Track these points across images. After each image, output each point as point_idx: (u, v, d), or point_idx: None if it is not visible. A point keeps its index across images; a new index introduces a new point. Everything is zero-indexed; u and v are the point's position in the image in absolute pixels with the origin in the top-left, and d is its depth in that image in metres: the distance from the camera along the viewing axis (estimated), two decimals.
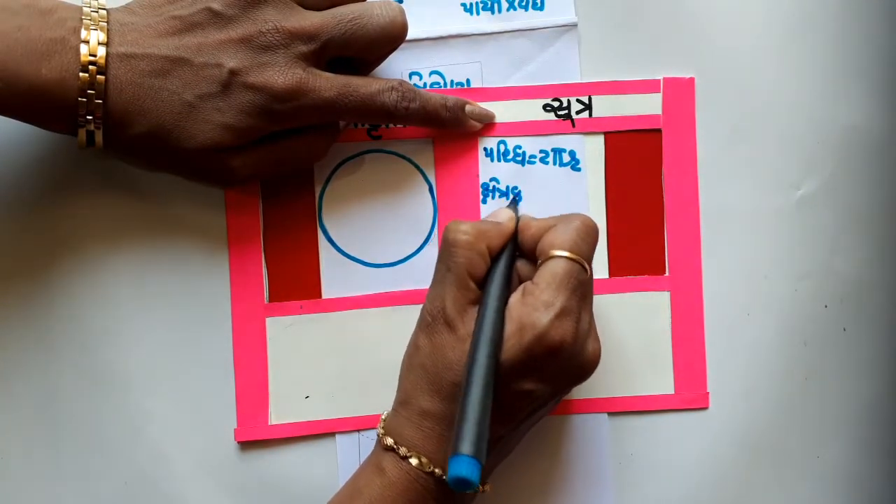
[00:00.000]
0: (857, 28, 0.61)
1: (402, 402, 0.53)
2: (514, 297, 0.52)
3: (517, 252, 0.55)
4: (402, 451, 0.52)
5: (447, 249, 0.53)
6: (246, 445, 0.59)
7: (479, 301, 0.52)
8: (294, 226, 0.59)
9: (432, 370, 0.52)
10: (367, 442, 0.59)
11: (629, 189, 0.60)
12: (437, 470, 0.51)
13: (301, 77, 0.52)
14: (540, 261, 0.53)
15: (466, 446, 0.46)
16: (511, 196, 0.59)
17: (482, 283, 0.53)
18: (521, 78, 0.59)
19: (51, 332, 0.58)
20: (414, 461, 0.51)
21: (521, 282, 0.54)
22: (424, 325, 0.53)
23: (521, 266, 0.55)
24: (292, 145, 0.55)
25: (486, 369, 0.49)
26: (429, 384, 0.52)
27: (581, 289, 0.52)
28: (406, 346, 0.55)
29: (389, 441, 0.52)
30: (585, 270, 0.52)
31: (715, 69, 0.60)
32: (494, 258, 0.54)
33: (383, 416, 0.54)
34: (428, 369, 0.52)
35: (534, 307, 0.51)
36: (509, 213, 0.55)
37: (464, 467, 0.46)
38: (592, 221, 0.54)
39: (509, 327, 0.51)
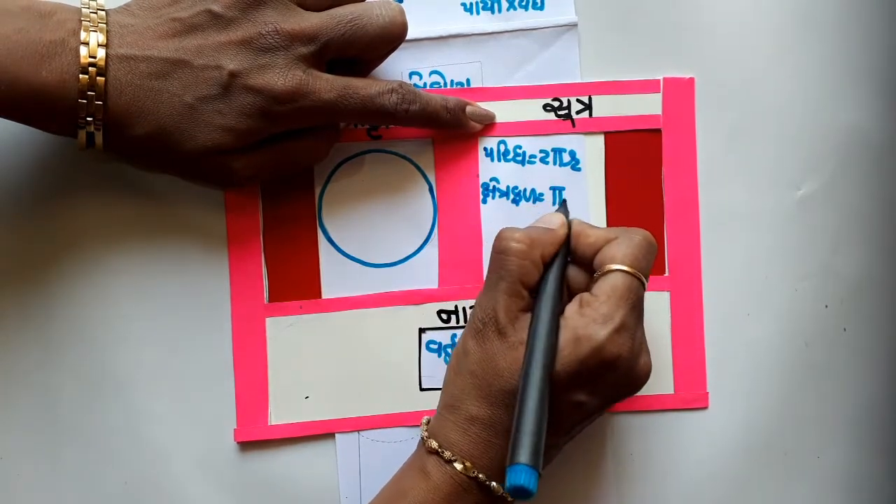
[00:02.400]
0: (857, 28, 0.61)
1: (448, 405, 0.53)
2: (571, 308, 0.52)
3: (569, 258, 0.55)
4: (447, 455, 0.52)
5: (499, 257, 0.53)
6: (246, 445, 0.59)
7: (531, 308, 0.52)
8: (294, 226, 0.59)
9: (482, 376, 0.52)
10: (366, 442, 0.59)
11: (629, 189, 0.60)
12: (481, 475, 0.51)
13: (301, 79, 0.52)
14: (598, 273, 0.52)
15: (524, 455, 0.47)
16: (562, 200, 0.59)
17: (534, 289, 0.53)
18: (521, 78, 0.59)
19: (51, 332, 0.58)
20: (458, 466, 0.51)
21: (571, 290, 0.54)
22: (474, 331, 0.53)
23: (574, 274, 0.55)
24: (293, 147, 0.55)
25: (542, 378, 0.49)
26: (477, 390, 0.52)
27: (639, 305, 0.52)
28: (454, 351, 0.54)
29: (434, 444, 0.52)
30: (643, 287, 0.52)
31: (715, 69, 0.60)
32: (547, 265, 0.54)
33: (425, 420, 0.55)
34: (477, 375, 0.52)
35: (592, 319, 0.51)
36: (561, 219, 0.55)
37: (522, 476, 0.46)
38: (653, 238, 0.54)
39: (565, 337, 0.51)
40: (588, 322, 0.51)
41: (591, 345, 0.50)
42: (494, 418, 0.51)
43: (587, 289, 0.53)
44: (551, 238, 0.54)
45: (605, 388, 0.52)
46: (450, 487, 0.51)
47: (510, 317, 0.52)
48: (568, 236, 0.55)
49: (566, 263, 0.55)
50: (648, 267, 0.53)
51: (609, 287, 0.51)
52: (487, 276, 0.54)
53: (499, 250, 0.53)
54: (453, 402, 0.53)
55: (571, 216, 0.56)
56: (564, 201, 0.59)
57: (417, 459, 0.53)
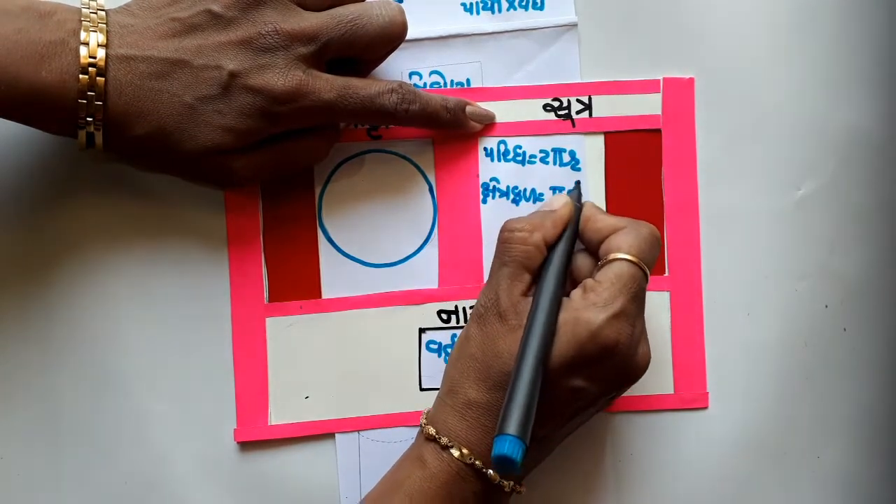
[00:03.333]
0: (857, 28, 0.60)
1: (447, 391, 0.54)
2: (574, 293, 0.53)
3: (576, 241, 0.55)
4: (444, 440, 0.52)
5: (502, 245, 0.54)
6: (246, 445, 0.59)
7: (533, 292, 0.53)
8: (294, 226, 0.59)
9: (482, 359, 0.52)
10: (367, 442, 0.59)
11: (629, 189, 0.60)
12: (477, 462, 0.51)
13: (301, 79, 0.52)
14: (603, 261, 0.53)
15: (512, 427, 0.47)
16: (576, 182, 0.59)
17: (537, 274, 0.54)
18: (521, 78, 0.59)
19: (51, 333, 0.58)
20: (455, 452, 0.52)
21: (576, 275, 0.55)
22: (476, 317, 0.54)
23: (580, 260, 0.55)
24: (293, 147, 0.55)
25: (536, 355, 0.49)
26: (477, 373, 0.52)
27: (640, 295, 0.52)
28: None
29: (431, 431, 0.53)
30: (646, 278, 0.53)
31: (715, 69, 0.60)
32: (551, 247, 0.54)
33: (425, 411, 0.55)
34: (477, 358, 0.52)
35: (592, 303, 0.51)
36: (564, 199, 0.56)
37: (507, 446, 0.46)
38: (659, 234, 0.54)
39: (564, 319, 0.51)
40: (588, 305, 0.51)
41: (590, 328, 0.50)
42: (493, 402, 0.51)
43: (591, 275, 0.53)
44: (552, 220, 0.54)
45: (603, 375, 0.52)
46: (446, 476, 0.52)
47: (512, 300, 0.52)
48: (577, 219, 0.55)
49: (572, 246, 0.55)
50: (653, 260, 0.53)
51: (613, 274, 0.52)
52: (491, 265, 0.55)
53: (502, 239, 0.54)
54: (453, 387, 0.53)
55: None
56: (578, 183, 0.59)
57: (415, 448, 0.54)
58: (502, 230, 0.54)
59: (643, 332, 0.53)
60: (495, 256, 0.54)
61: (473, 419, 0.52)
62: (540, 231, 0.54)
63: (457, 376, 0.53)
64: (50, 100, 0.50)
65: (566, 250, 0.54)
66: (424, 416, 0.54)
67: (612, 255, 0.52)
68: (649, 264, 0.53)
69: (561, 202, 0.55)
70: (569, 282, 0.55)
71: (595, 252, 0.54)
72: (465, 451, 0.52)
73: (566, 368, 0.51)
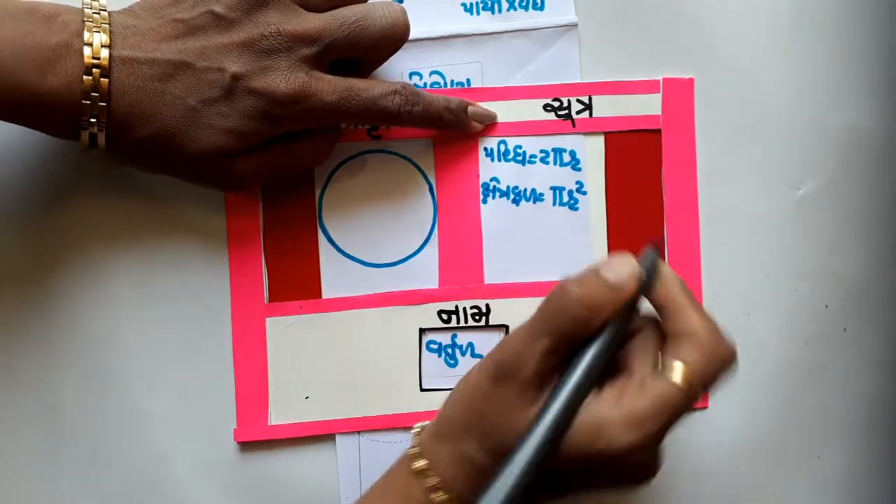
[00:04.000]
0: (857, 28, 0.61)
1: (447, 433, 0.50)
2: (608, 394, 0.48)
3: (630, 322, 0.50)
4: (432, 481, 0.49)
5: (553, 310, 0.48)
6: (246, 446, 0.59)
7: (563, 370, 0.49)
8: (294, 226, 0.59)
9: (490, 421, 0.49)
10: (367, 443, 0.59)
11: (629, 189, 0.60)
12: None
13: (304, 81, 0.52)
14: (660, 365, 0.48)
15: None
16: (655, 250, 0.52)
17: (577, 344, 0.49)
18: (521, 78, 0.59)
19: (51, 332, 0.58)
20: (442, 496, 0.49)
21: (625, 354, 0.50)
22: (494, 371, 0.49)
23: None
24: (295, 149, 0.55)
25: (535, 456, 0.46)
26: (480, 433, 0.49)
27: (677, 421, 0.48)
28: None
29: (421, 464, 0.50)
30: (692, 405, 0.48)
31: (715, 69, 0.60)
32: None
33: (416, 430, 0.52)
34: (484, 419, 0.49)
35: (623, 417, 0.47)
36: (630, 271, 0.49)
37: None
38: (736, 358, 0.50)
39: (586, 420, 0.47)
40: (616, 419, 0.47)
41: (610, 446, 0.47)
42: (490, 466, 0.48)
43: (637, 360, 0.49)
44: (612, 300, 0.49)
45: (608, 482, 0.50)
46: None
47: (539, 374, 0.48)
48: (638, 292, 0.50)
49: (625, 327, 0.50)
50: (715, 386, 0.49)
51: (660, 399, 0.47)
52: (534, 321, 0.49)
53: (559, 305, 0.48)
54: (454, 433, 0.50)
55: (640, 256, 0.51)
56: (657, 251, 0.51)
57: (402, 479, 0.51)
58: (559, 290, 0.49)
59: (662, 449, 0.50)
60: (541, 312, 0.49)
61: (468, 472, 0.49)
62: (598, 315, 0.48)
63: (459, 423, 0.50)
64: (53, 102, 0.50)
65: (613, 334, 0.49)
66: (417, 442, 0.51)
67: (670, 372, 0.47)
68: (709, 389, 0.49)
69: (627, 273, 0.49)
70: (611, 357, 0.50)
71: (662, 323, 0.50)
72: (453, 496, 0.49)
73: (570, 467, 0.48)
